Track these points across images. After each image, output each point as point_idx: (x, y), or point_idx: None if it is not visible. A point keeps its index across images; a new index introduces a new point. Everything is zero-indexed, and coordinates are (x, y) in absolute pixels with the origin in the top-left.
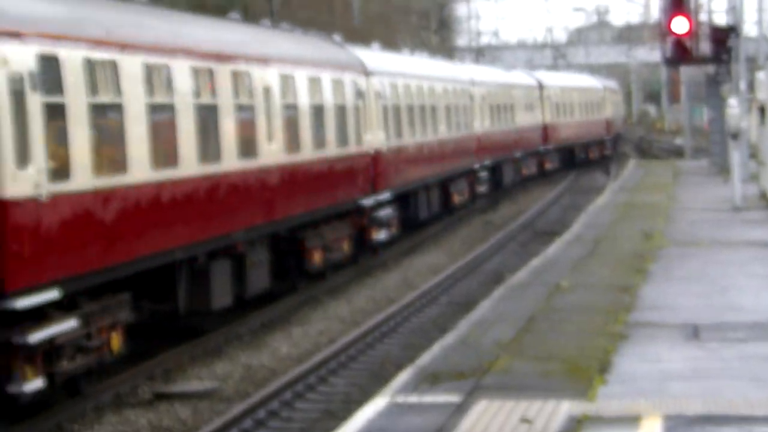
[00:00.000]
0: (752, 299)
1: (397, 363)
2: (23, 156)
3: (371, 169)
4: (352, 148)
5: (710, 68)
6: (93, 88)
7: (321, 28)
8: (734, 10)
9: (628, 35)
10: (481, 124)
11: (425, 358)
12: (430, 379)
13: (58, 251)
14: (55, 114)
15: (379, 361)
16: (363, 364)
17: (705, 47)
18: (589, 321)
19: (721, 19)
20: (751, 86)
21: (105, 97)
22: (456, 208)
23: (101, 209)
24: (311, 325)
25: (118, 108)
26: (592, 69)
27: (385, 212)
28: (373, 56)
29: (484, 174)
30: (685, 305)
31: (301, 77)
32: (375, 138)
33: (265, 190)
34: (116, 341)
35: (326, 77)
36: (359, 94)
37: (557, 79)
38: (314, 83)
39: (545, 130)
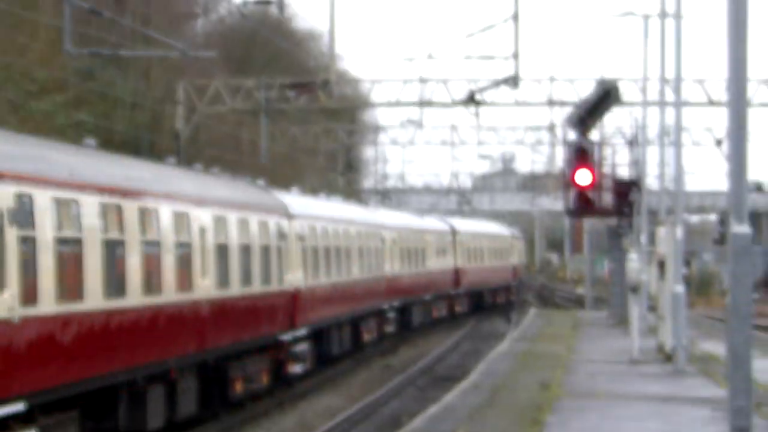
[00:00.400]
0: None
1: None
2: (0, 282)
3: (291, 305)
4: (274, 286)
5: (612, 220)
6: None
7: (228, 166)
8: (636, 163)
9: (533, 184)
10: (391, 267)
11: None
12: None
13: (25, 368)
14: (27, 245)
15: None
16: None
17: (607, 199)
18: None
19: (624, 172)
20: (652, 239)
21: (68, 232)
22: (365, 345)
23: (60, 332)
24: None
25: (77, 242)
26: (497, 215)
27: (302, 347)
28: (295, 200)
29: (392, 314)
30: None
31: (231, 219)
32: (295, 277)
33: (197, 322)
34: None
35: (253, 219)
36: (282, 235)
37: (469, 225)
38: (243, 225)
39: (457, 274)
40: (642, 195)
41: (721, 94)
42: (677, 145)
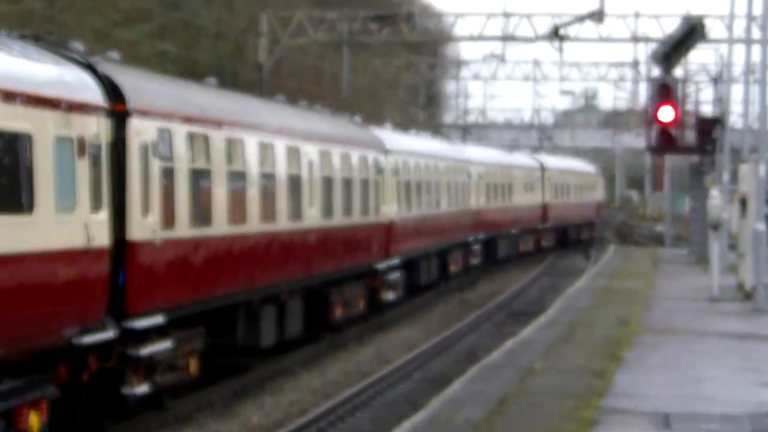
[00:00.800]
0: (724, 391)
1: None
2: (146, 207)
3: (386, 236)
4: (372, 217)
5: (694, 158)
6: (192, 156)
7: (309, 98)
8: (720, 101)
9: (615, 120)
10: (477, 201)
11: None
12: None
13: (164, 286)
14: (167, 176)
15: None
16: None
17: (690, 137)
18: (560, 405)
19: (708, 110)
20: (734, 177)
21: (199, 164)
22: (451, 277)
23: (192, 254)
24: (284, 395)
25: (207, 173)
26: (578, 152)
27: (395, 276)
28: (390, 136)
29: (477, 247)
30: (658, 394)
31: (335, 154)
32: (390, 209)
33: (305, 249)
34: (194, 365)
35: (354, 154)
36: (379, 169)
37: (557, 162)
38: (345, 159)
39: (544, 209)
40: (725, 132)
41: None
42: (763, 83)
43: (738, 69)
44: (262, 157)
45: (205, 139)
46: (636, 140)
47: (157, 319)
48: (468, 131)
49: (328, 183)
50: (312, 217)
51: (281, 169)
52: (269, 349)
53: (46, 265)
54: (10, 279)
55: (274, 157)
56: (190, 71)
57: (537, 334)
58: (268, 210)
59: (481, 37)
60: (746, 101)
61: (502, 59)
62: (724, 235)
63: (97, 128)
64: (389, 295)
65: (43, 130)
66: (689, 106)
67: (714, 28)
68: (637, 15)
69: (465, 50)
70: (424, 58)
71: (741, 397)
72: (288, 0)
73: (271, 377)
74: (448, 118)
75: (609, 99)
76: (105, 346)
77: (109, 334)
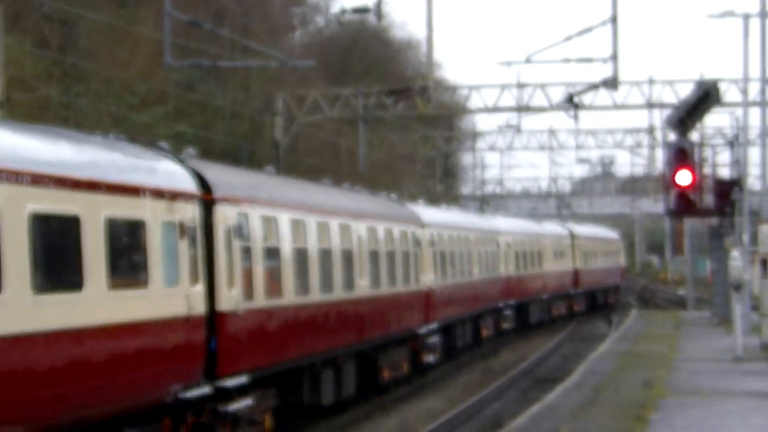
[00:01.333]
0: None
1: None
2: (230, 281)
3: (425, 303)
4: (413, 286)
5: (713, 221)
6: (265, 236)
7: (327, 174)
8: (737, 163)
9: (632, 186)
10: (506, 269)
11: None
12: None
13: (246, 351)
14: (246, 254)
15: None
16: None
17: (708, 200)
18: None
19: (725, 173)
20: (754, 239)
21: (271, 242)
22: (484, 340)
23: (267, 322)
24: None
25: (277, 250)
26: (596, 219)
27: (434, 339)
28: (425, 211)
29: (508, 312)
30: None
31: (380, 229)
32: (428, 278)
33: (357, 317)
34: (269, 422)
35: (396, 229)
36: (417, 242)
37: (585, 230)
38: (388, 233)
39: (576, 275)
40: (744, 194)
41: None
42: None
43: (754, 131)
44: (320, 234)
45: (275, 221)
46: (654, 205)
47: (242, 380)
48: (486, 202)
49: (374, 256)
50: (363, 287)
51: (336, 245)
52: (329, 407)
53: (159, 331)
54: (133, 343)
55: (330, 235)
56: (207, 151)
57: (562, 398)
58: (326, 282)
59: (496, 109)
60: (764, 163)
61: (517, 129)
62: (747, 296)
63: (192, 213)
64: (429, 358)
65: (155, 217)
66: (706, 170)
67: (728, 92)
68: (651, 81)
69: (480, 122)
70: (440, 130)
71: None
72: (303, 79)
73: None
74: (466, 189)
75: (626, 165)
76: (199, 403)
77: (205, 390)
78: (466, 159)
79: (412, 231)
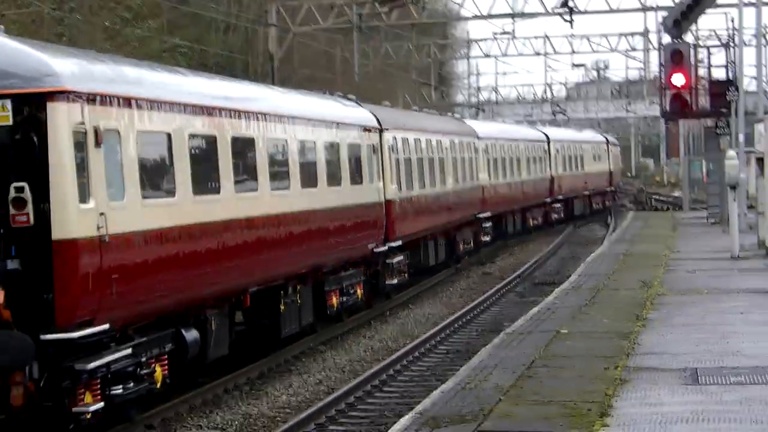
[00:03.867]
0: (751, 345)
1: (397, 411)
2: (393, 179)
3: (481, 195)
4: (473, 183)
5: (709, 121)
6: (408, 149)
7: (321, 84)
8: (733, 64)
9: (627, 90)
10: (555, 170)
11: (425, 404)
12: (431, 424)
13: (400, 224)
14: (397, 162)
15: (378, 408)
16: (362, 412)
17: (704, 101)
18: (588, 366)
19: (720, 74)
20: (750, 139)
21: (410, 155)
22: (532, 229)
23: (409, 206)
24: (310, 374)
25: (415, 160)
26: (592, 123)
27: (488, 224)
28: (479, 125)
29: (557, 205)
30: (685, 351)
31: (455, 142)
32: (483, 177)
33: (446, 203)
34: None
35: (465, 141)
36: (476, 150)
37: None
38: (461, 145)
39: (611, 176)
40: (739, 94)
41: None
42: None
43: (749, 32)
44: (428, 148)
45: (416, 141)
46: (649, 109)
47: (399, 243)
48: (481, 109)
49: (454, 160)
50: (450, 183)
51: (438, 154)
52: (433, 266)
53: (369, 211)
54: (349, 216)
55: (440, 147)
56: (202, 64)
57: (561, 300)
58: (440, 179)
59: (490, 15)
60: (759, 63)
61: (512, 36)
62: (743, 196)
63: (377, 139)
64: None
65: (364, 141)
66: (702, 71)
67: None
68: None
69: (475, 29)
70: (434, 39)
71: None
72: None
73: (296, 357)
74: (461, 97)
75: (621, 69)
76: (379, 255)
77: (384, 248)
78: (461, 67)
79: (473, 141)
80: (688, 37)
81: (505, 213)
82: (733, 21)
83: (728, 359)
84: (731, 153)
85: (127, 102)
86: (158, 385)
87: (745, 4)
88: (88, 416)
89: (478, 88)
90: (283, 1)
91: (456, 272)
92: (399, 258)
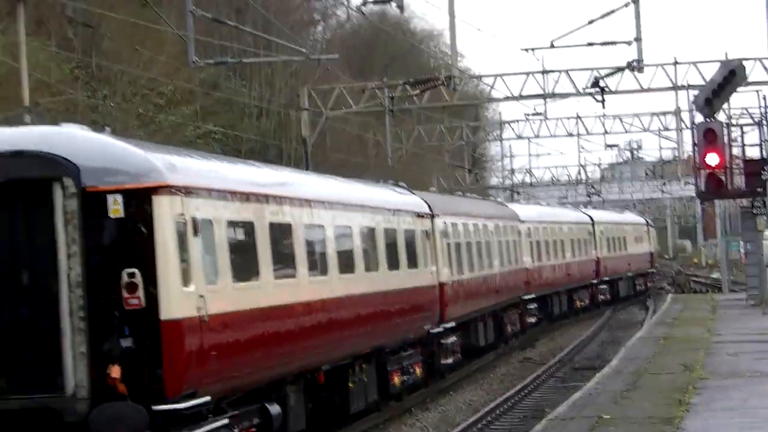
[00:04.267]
0: None
1: None
2: (444, 264)
3: (526, 277)
4: (517, 265)
5: (745, 201)
6: (457, 234)
7: (355, 169)
8: (766, 143)
9: (662, 170)
10: (599, 252)
11: None
12: None
13: (453, 306)
14: (448, 247)
15: None
16: None
17: (739, 180)
18: None
19: (754, 153)
20: None
21: (459, 239)
22: (576, 309)
23: (460, 289)
24: None
25: (463, 244)
26: (627, 204)
27: (533, 305)
28: (520, 209)
29: (603, 287)
30: None
31: (499, 225)
32: (527, 260)
33: (493, 286)
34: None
35: (507, 225)
36: (518, 233)
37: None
38: (503, 228)
39: (651, 257)
40: None
41: None
42: None
43: None
44: (475, 232)
45: (464, 225)
46: (684, 189)
47: (452, 324)
48: (515, 191)
49: (499, 243)
50: (495, 266)
51: (484, 238)
52: (484, 347)
53: (424, 293)
54: (409, 298)
55: (486, 231)
56: (235, 150)
57: (602, 385)
58: (485, 262)
59: (521, 96)
60: None
61: (544, 117)
62: None
63: (429, 225)
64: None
65: (418, 227)
66: (735, 150)
67: (754, 70)
68: (676, 62)
69: (506, 110)
70: (466, 121)
71: None
72: (326, 73)
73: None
74: (494, 179)
75: (654, 149)
76: (434, 336)
77: (440, 329)
78: (494, 148)
79: (513, 225)
80: (721, 116)
81: (550, 294)
82: (765, 99)
83: None
84: None
85: (217, 194)
86: None
87: None
88: None
89: (512, 170)
90: (315, 84)
91: (497, 357)
92: (452, 338)
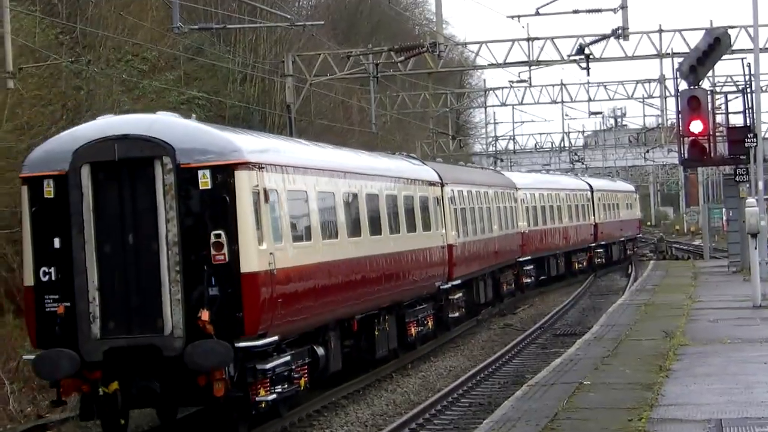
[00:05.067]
0: None
1: None
2: (453, 227)
3: (521, 239)
4: (512, 229)
5: (728, 169)
6: (462, 200)
7: (339, 135)
8: (750, 110)
9: (645, 138)
10: (597, 216)
11: None
12: None
13: (459, 265)
14: (455, 212)
15: None
16: None
17: (722, 148)
18: (612, 418)
19: (738, 121)
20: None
21: (464, 205)
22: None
23: (466, 250)
24: (333, 430)
25: (472, 209)
26: (610, 171)
27: (529, 266)
28: (516, 177)
29: (600, 250)
30: (709, 402)
31: (499, 192)
32: (522, 224)
33: (493, 248)
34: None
35: (505, 192)
36: (514, 200)
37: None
38: (501, 195)
39: (639, 222)
40: (758, 140)
41: None
42: None
43: (765, 78)
44: (478, 199)
45: (468, 192)
46: (667, 156)
47: (459, 281)
48: (499, 158)
49: (498, 209)
50: (495, 230)
51: (485, 204)
52: (485, 302)
53: (435, 253)
54: (424, 258)
55: (486, 197)
56: (219, 115)
57: (583, 351)
58: (487, 224)
59: (506, 63)
60: None
61: (529, 84)
62: (764, 243)
63: (439, 192)
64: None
65: (430, 194)
66: (719, 118)
67: (739, 39)
68: (660, 30)
69: (491, 77)
70: (450, 88)
71: None
72: (311, 40)
73: (318, 412)
74: (478, 146)
75: (638, 117)
76: (443, 292)
77: (448, 285)
78: (478, 115)
79: (512, 192)
80: (705, 84)
81: (547, 257)
82: (749, 66)
83: (752, 410)
84: (751, 200)
85: (279, 168)
86: (302, 389)
87: (762, 50)
88: (263, 405)
89: (496, 137)
90: (299, 51)
91: (478, 324)
92: (458, 295)
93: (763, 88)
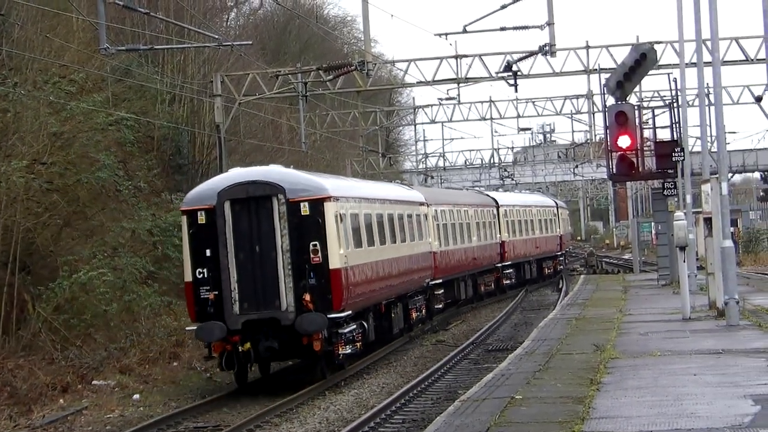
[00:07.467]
0: (705, 406)
1: None
2: (435, 238)
3: (501, 250)
4: (492, 240)
5: (656, 183)
6: (444, 217)
7: (269, 155)
8: (677, 125)
9: (574, 153)
10: (563, 229)
11: None
12: None
13: (441, 268)
14: (439, 226)
15: None
16: None
17: (650, 162)
18: None
19: (665, 135)
20: (697, 199)
21: (445, 221)
22: (541, 279)
23: (448, 257)
24: None
25: (452, 225)
26: (540, 187)
27: (509, 271)
28: (498, 195)
29: (562, 258)
30: (639, 414)
31: (479, 211)
32: (503, 235)
33: (472, 257)
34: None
35: (486, 210)
36: (494, 215)
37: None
38: (481, 212)
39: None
40: (685, 155)
41: (757, 51)
42: (718, 104)
43: (692, 93)
44: (459, 216)
45: (449, 211)
46: (597, 171)
47: (440, 281)
48: (429, 175)
49: (477, 225)
50: (474, 240)
51: (466, 220)
52: (466, 300)
53: (423, 257)
54: (417, 261)
55: (467, 215)
56: (148, 136)
57: (515, 366)
58: (463, 237)
59: (435, 81)
60: (703, 124)
61: (457, 101)
62: (692, 257)
63: (425, 210)
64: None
65: (416, 212)
66: (647, 132)
67: (665, 54)
68: (587, 46)
69: (420, 95)
70: (380, 106)
71: (722, 411)
72: (240, 59)
73: (249, 431)
74: (408, 163)
75: (567, 133)
76: (430, 288)
77: (434, 282)
78: (408, 133)
79: (492, 209)
80: (632, 99)
81: (523, 263)
82: (675, 82)
83: (682, 421)
84: (679, 214)
85: (345, 199)
86: (359, 350)
87: (687, 65)
88: (342, 357)
89: (426, 155)
90: (228, 71)
91: (410, 340)
92: (441, 291)
93: (689, 103)
